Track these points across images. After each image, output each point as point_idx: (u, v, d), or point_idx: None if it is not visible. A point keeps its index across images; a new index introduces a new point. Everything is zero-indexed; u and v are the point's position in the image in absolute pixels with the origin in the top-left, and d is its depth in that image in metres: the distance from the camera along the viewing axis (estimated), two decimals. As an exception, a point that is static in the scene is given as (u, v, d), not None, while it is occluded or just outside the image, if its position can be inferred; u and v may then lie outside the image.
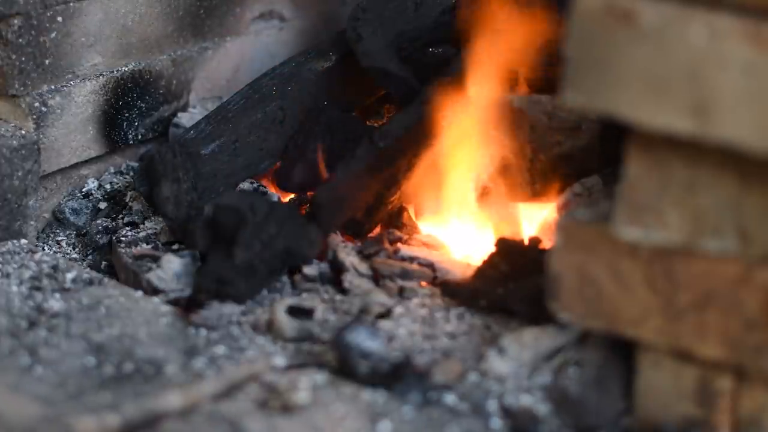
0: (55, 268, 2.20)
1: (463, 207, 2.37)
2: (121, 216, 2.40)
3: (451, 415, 1.87)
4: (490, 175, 2.34)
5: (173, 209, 2.27)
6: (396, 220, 2.35)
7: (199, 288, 2.12)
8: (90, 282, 2.17)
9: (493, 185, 2.34)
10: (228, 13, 2.62)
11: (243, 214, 2.15)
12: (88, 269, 2.24)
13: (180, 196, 2.28)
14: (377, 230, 2.33)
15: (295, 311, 2.08)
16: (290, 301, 2.10)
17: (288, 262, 2.14)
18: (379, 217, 2.32)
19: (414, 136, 2.28)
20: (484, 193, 2.35)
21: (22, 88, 2.31)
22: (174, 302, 2.14)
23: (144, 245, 2.30)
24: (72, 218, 2.44)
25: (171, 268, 2.19)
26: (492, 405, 1.89)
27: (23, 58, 2.29)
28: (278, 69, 2.52)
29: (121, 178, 2.51)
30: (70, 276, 2.17)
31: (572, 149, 2.32)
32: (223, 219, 2.18)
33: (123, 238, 2.31)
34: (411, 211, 2.38)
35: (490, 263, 2.17)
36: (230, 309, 2.10)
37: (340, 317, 2.11)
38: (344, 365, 1.94)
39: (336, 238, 2.26)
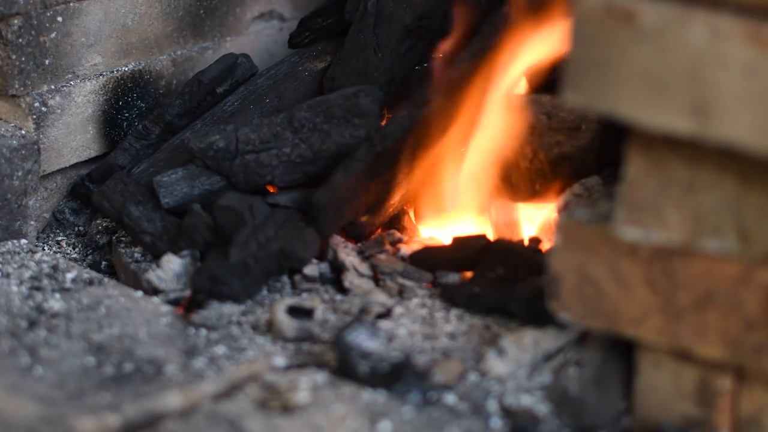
0: (55, 268, 2.20)
1: (463, 208, 2.37)
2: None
3: (451, 415, 1.87)
4: (490, 176, 2.34)
5: (148, 225, 2.27)
6: (396, 222, 2.35)
7: (195, 287, 2.12)
8: (90, 282, 2.17)
9: (493, 186, 2.34)
10: (228, 13, 2.62)
11: (241, 215, 2.16)
12: (88, 269, 2.24)
13: (149, 213, 2.29)
14: (378, 233, 2.33)
15: (295, 311, 2.08)
16: (290, 301, 2.10)
17: (283, 263, 2.14)
18: (379, 220, 2.32)
19: (414, 138, 2.28)
20: (484, 194, 2.35)
21: (22, 88, 2.31)
22: (174, 302, 2.14)
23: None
24: (72, 218, 2.44)
25: (171, 268, 2.19)
26: (492, 405, 1.89)
27: (23, 58, 2.29)
28: (273, 69, 2.52)
29: (121, 178, 2.51)
30: (70, 276, 2.18)
31: (572, 149, 2.32)
32: (222, 220, 2.18)
33: (123, 238, 2.31)
34: (411, 213, 2.38)
35: (488, 265, 2.17)
36: (230, 309, 2.10)
37: (340, 317, 2.11)
38: (344, 365, 1.94)
39: (337, 239, 2.26)
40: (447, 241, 2.30)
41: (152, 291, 2.18)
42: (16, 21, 2.27)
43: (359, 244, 2.28)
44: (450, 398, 1.91)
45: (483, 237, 2.24)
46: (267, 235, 2.15)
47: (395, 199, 2.32)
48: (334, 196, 2.21)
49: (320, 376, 1.93)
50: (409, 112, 2.30)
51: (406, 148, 2.28)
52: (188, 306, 2.11)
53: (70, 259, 2.33)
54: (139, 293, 2.16)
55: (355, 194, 2.24)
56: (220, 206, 2.18)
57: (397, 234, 2.32)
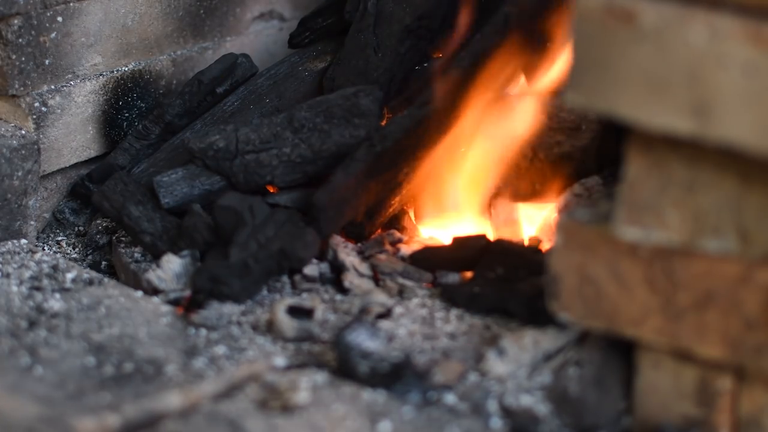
0: (55, 268, 2.20)
1: (464, 208, 2.37)
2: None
3: (451, 415, 1.87)
4: (490, 176, 2.34)
5: (148, 225, 2.28)
6: (397, 222, 2.35)
7: (195, 287, 2.12)
8: (90, 282, 2.17)
9: (494, 186, 2.34)
10: (228, 13, 2.62)
11: (241, 215, 2.16)
12: (88, 269, 2.24)
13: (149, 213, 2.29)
14: (378, 233, 2.33)
15: (295, 311, 2.08)
16: (290, 301, 2.10)
17: (283, 263, 2.14)
18: (380, 221, 2.32)
19: (414, 138, 2.28)
20: (484, 195, 2.35)
21: (22, 88, 2.31)
22: (174, 302, 2.14)
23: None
24: (72, 218, 2.44)
25: (171, 268, 2.19)
26: (492, 405, 1.89)
27: (23, 58, 2.29)
28: (273, 69, 2.52)
29: (121, 178, 2.51)
30: (70, 276, 2.18)
31: (572, 149, 2.32)
32: (222, 220, 2.18)
33: (123, 238, 2.31)
34: (411, 213, 2.38)
35: (488, 265, 2.17)
36: (230, 309, 2.10)
37: (340, 317, 2.11)
38: (344, 365, 1.94)
39: (337, 239, 2.26)
40: (447, 241, 2.30)
41: (152, 291, 2.18)
42: (16, 21, 2.27)
43: (359, 244, 2.28)
44: (450, 398, 1.90)
45: (483, 237, 2.24)
46: (267, 235, 2.15)
47: (396, 199, 2.32)
48: (334, 196, 2.21)
49: (320, 376, 1.93)
50: (409, 112, 2.30)
51: (406, 148, 2.28)
52: (188, 306, 2.11)
53: (70, 259, 2.33)
54: (139, 293, 2.16)
55: (355, 194, 2.24)
56: (220, 206, 2.18)
57: (397, 234, 2.32)
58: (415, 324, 2.09)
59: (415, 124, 2.28)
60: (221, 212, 2.18)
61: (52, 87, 2.35)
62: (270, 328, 2.07)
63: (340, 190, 2.22)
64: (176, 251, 2.21)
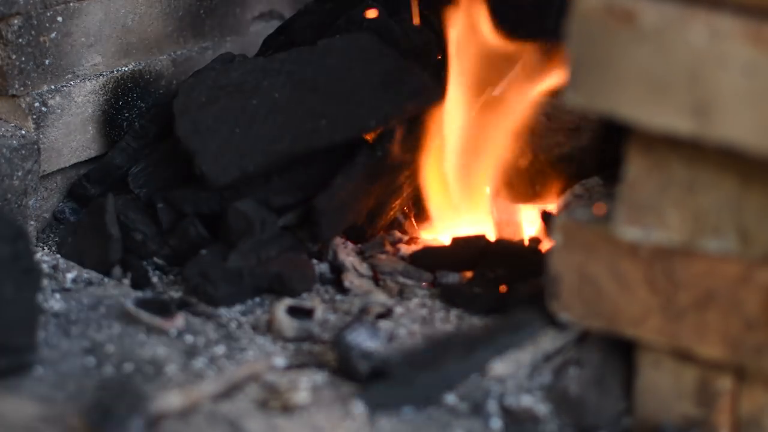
0: (55, 268, 2.20)
1: (464, 210, 2.37)
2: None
3: (451, 415, 1.87)
4: (490, 178, 2.34)
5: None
6: (398, 225, 2.35)
7: (185, 276, 2.12)
8: (90, 282, 2.17)
9: (494, 187, 2.34)
10: (228, 13, 2.62)
11: (252, 224, 2.15)
12: (88, 269, 2.24)
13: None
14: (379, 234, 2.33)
15: (295, 311, 2.08)
16: (290, 301, 2.10)
17: (275, 287, 2.14)
18: (381, 224, 2.32)
19: (413, 142, 2.28)
20: (484, 195, 2.35)
21: (22, 88, 2.31)
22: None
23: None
24: (72, 218, 2.43)
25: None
26: (492, 405, 1.89)
27: (23, 58, 2.29)
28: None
29: (120, 178, 2.50)
30: (70, 276, 2.17)
31: (572, 150, 2.32)
32: (233, 222, 2.17)
33: (123, 238, 2.31)
34: (412, 216, 2.38)
35: (488, 265, 2.17)
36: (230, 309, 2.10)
37: (340, 317, 2.11)
38: (344, 365, 1.94)
39: (337, 239, 2.26)
40: (447, 241, 2.30)
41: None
42: (16, 21, 2.26)
43: (359, 245, 2.28)
44: (450, 398, 1.90)
45: (483, 237, 2.24)
46: (269, 254, 2.15)
47: (397, 202, 2.32)
48: (335, 200, 2.21)
49: (320, 376, 1.93)
50: (410, 115, 2.31)
51: (406, 151, 2.28)
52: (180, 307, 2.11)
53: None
54: (140, 293, 2.16)
55: (356, 198, 2.24)
56: (235, 208, 2.17)
57: (398, 234, 2.32)
58: (415, 324, 2.09)
59: (416, 126, 2.28)
60: (234, 214, 2.17)
61: (52, 87, 2.35)
62: (270, 328, 2.07)
63: (340, 194, 2.22)
64: (167, 250, 2.21)
